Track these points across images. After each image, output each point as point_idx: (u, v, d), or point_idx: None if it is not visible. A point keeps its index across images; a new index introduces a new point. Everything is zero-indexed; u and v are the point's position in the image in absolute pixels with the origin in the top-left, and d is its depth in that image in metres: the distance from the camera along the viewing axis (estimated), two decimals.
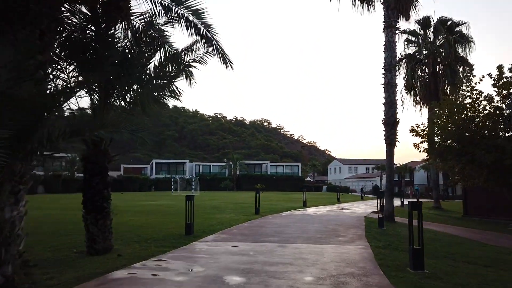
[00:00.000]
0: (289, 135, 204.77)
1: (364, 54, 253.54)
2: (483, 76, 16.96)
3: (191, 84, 10.32)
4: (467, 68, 28.75)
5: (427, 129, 18.18)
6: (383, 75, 16.37)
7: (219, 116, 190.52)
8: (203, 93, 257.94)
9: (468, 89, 17.41)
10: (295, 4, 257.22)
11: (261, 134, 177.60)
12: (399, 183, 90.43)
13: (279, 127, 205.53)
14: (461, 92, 18.17)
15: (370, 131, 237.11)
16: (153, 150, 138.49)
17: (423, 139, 18.12)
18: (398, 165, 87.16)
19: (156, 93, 9.28)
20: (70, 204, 25.29)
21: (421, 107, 30.08)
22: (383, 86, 16.25)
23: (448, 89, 28.48)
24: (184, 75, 9.68)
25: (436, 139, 18.11)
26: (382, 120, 16.04)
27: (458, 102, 17.77)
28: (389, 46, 16.23)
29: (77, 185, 63.73)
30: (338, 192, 35.43)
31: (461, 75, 27.32)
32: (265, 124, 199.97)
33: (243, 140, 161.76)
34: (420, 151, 18.38)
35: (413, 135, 18.29)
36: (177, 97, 11.14)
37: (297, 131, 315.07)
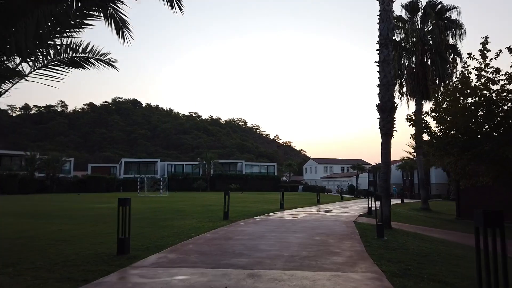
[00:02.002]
0: (264, 135, 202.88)
1: (341, 54, 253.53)
2: (500, 51, 14.26)
3: (124, 38, 7.26)
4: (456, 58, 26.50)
5: (430, 116, 15.41)
6: (378, 51, 13.59)
7: (194, 115, 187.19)
8: (177, 92, 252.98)
9: (482, 65, 14.60)
10: None
11: (236, 134, 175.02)
12: (374, 182, 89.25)
13: (254, 127, 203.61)
14: (464, 73, 15.32)
15: (345, 130, 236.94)
16: (124, 149, 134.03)
17: (424, 130, 15.46)
18: (374, 164, 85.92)
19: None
20: (10, 208, 21.67)
21: (408, 99, 27.60)
22: (377, 64, 13.45)
23: (437, 79, 26.13)
24: (109, 22, 6.56)
25: (436, 129, 15.50)
26: (376, 105, 13.23)
27: (459, 87, 15.07)
28: (385, 16, 13.44)
29: (36, 185, 59.41)
30: (318, 192, 32.63)
31: (458, 60, 24.99)
32: (240, 123, 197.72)
33: (218, 140, 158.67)
34: (416, 144, 15.69)
35: (410, 124, 15.63)
36: (107, 61, 8.05)
37: (272, 131, 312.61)
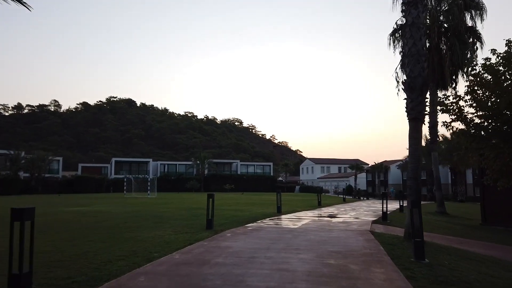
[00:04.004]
0: (260, 135, 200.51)
1: (337, 54, 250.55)
2: None
3: None
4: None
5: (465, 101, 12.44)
6: (403, 14, 10.63)
7: (189, 114, 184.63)
8: (173, 92, 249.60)
9: None
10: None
11: (232, 134, 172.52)
12: (373, 183, 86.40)
13: (250, 127, 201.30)
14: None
15: (341, 130, 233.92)
16: (118, 149, 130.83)
17: (456, 117, 12.49)
18: (374, 164, 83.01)
19: None
20: None
21: None
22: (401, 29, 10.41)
23: (451, 67, 23.15)
24: None
25: (474, 116, 12.53)
26: (403, 82, 10.24)
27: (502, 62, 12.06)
28: None
29: (20, 186, 56.07)
30: (318, 194, 29.57)
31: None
32: (236, 123, 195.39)
33: (213, 140, 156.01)
34: (451, 134, 12.72)
35: (441, 110, 12.67)
36: None
37: (268, 131, 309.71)
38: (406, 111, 10.17)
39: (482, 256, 9.41)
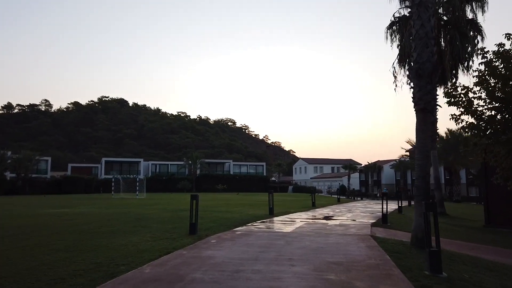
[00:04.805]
0: (254, 135, 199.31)
1: (329, 53, 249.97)
2: None
3: None
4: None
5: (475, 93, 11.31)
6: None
7: (182, 114, 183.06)
8: (165, 92, 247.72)
9: None
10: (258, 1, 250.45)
11: (225, 134, 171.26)
12: (366, 183, 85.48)
13: (244, 127, 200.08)
14: None
15: (334, 131, 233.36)
16: (110, 149, 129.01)
17: (465, 109, 11.36)
18: (367, 163, 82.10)
19: None
20: None
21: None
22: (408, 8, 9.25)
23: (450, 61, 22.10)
24: None
25: (484, 108, 11.42)
26: (409, 69, 9.14)
27: None
28: None
29: (6, 186, 54.41)
30: (312, 194, 28.40)
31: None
32: (229, 123, 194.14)
33: (206, 140, 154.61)
34: (460, 128, 11.58)
35: (448, 102, 11.54)
36: None
37: (262, 132, 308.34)
38: (413, 101, 9.02)
39: (501, 266, 8.30)
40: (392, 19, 22.88)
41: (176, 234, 10.50)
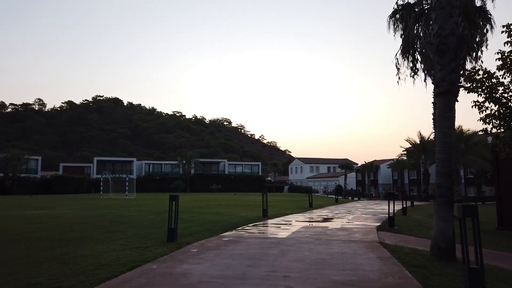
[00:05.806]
0: (249, 135, 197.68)
1: (324, 53, 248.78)
2: None
3: None
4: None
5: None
6: None
7: (177, 114, 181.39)
8: (161, 91, 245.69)
9: None
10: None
11: (221, 134, 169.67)
12: (362, 182, 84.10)
13: (239, 127, 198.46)
14: None
15: (329, 130, 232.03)
16: (104, 148, 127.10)
17: (489, 95, 9.84)
18: (364, 163, 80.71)
19: None
20: None
21: (425, 76, 21.76)
22: None
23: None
24: None
25: (508, 96, 9.91)
26: (430, 43, 7.56)
27: None
28: None
29: None
30: (310, 194, 26.86)
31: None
32: (225, 123, 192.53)
33: (202, 139, 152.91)
34: (484, 117, 10.05)
35: (470, 86, 10.04)
36: None
37: (257, 131, 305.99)
38: (433, 83, 7.51)
39: None
40: (395, 6, 21.28)
41: (152, 241, 8.95)
